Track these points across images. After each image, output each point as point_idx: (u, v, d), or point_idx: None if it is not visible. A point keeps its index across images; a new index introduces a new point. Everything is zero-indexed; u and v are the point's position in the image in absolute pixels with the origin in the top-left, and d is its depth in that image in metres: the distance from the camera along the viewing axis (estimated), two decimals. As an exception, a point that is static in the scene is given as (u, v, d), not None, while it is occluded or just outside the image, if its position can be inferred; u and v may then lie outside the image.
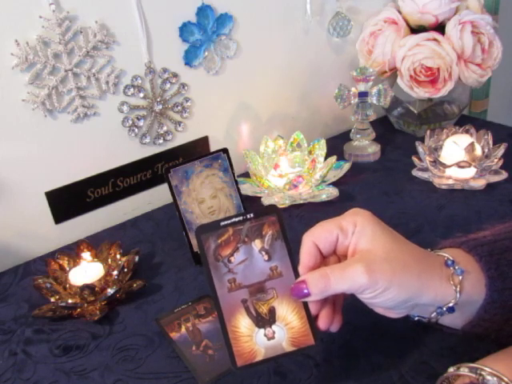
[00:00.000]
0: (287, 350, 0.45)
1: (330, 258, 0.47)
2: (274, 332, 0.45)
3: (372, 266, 0.42)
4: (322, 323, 0.46)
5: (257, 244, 0.47)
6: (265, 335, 0.45)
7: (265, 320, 0.45)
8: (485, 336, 0.46)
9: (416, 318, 0.48)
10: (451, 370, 0.40)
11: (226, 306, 0.45)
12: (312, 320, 0.45)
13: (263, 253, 0.47)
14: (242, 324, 0.45)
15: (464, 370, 0.39)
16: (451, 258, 0.45)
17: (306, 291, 0.43)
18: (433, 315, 0.46)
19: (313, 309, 0.45)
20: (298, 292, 0.44)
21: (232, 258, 0.46)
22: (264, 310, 0.45)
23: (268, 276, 0.46)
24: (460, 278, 0.44)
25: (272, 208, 0.47)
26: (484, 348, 0.45)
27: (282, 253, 0.47)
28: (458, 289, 0.43)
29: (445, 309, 0.44)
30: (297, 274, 0.46)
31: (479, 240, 0.47)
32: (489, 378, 0.38)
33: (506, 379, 0.37)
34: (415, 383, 0.49)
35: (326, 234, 0.46)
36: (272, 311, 0.45)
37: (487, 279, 0.44)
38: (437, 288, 0.43)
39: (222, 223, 0.46)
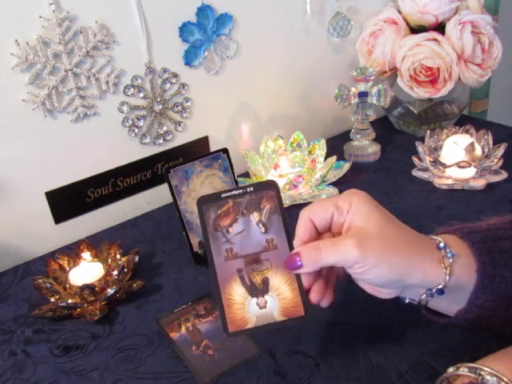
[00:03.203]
0: (278, 319, 0.46)
1: (324, 234, 0.49)
2: (266, 301, 0.46)
3: (363, 242, 0.43)
4: (314, 296, 0.47)
5: (255, 216, 0.48)
6: (257, 304, 0.46)
7: (258, 289, 0.46)
8: (477, 323, 0.46)
9: (407, 301, 0.48)
10: (451, 370, 0.40)
11: (222, 274, 0.46)
12: (303, 292, 0.46)
13: (260, 225, 0.48)
14: (236, 292, 0.46)
15: (463, 370, 0.39)
16: (443, 242, 0.46)
17: (299, 263, 0.45)
18: (423, 297, 0.46)
19: (305, 282, 0.47)
20: (291, 263, 0.45)
21: (230, 229, 0.47)
22: (258, 280, 0.47)
23: (264, 248, 0.47)
24: (450, 260, 0.44)
25: (271, 183, 0.49)
26: (484, 348, 0.45)
27: (278, 226, 0.48)
28: (447, 271, 0.44)
29: (434, 290, 0.45)
30: (291, 248, 0.47)
31: (473, 228, 0.47)
32: (488, 377, 0.38)
33: (505, 379, 0.37)
34: (415, 383, 0.50)
35: (322, 211, 0.47)
36: (265, 281, 0.47)
37: (478, 264, 0.44)
38: (427, 269, 0.44)
39: (223, 195, 0.48)
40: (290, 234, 0.48)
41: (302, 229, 0.47)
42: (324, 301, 0.48)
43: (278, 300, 0.46)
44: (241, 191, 0.48)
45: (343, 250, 0.43)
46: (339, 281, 0.50)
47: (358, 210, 0.46)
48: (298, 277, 0.46)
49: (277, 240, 0.47)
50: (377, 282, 0.45)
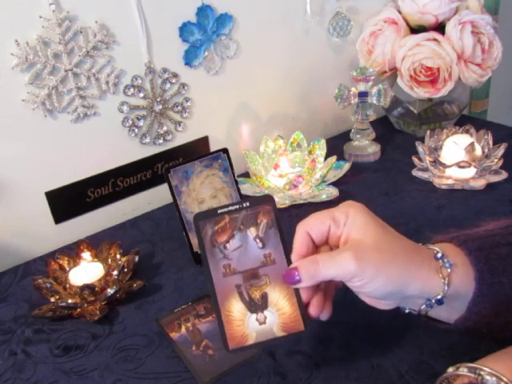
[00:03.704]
0: (278, 334, 0.46)
1: (322, 247, 0.49)
2: (265, 317, 0.46)
3: (361, 254, 0.43)
4: (313, 310, 0.47)
5: (252, 232, 0.48)
6: (257, 320, 0.46)
7: (257, 305, 0.46)
8: (476, 330, 0.46)
9: (407, 311, 0.48)
10: (450, 370, 0.40)
11: (221, 290, 0.46)
12: (303, 307, 0.46)
13: (258, 240, 0.48)
14: (236, 308, 0.46)
15: (463, 370, 0.39)
16: (441, 252, 0.45)
17: (297, 277, 0.45)
18: (422, 307, 0.46)
19: (304, 296, 0.46)
20: (289, 278, 0.45)
21: (228, 245, 0.47)
22: (257, 295, 0.47)
23: (262, 263, 0.47)
24: (448, 270, 0.44)
25: (267, 197, 0.49)
26: (484, 348, 0.45)
27: (275, 241, 0.48)
28: (446, 281, 0.44)
29: (433, 301, 0.45)
30: (289, 262, 0.47)
31: (470, 235, 0.47)
32: (488, 377, 0.38)
33: (505, 379, 0.37)
34: (415, 383, 0.50)
35: (318, 224, 0.47)
36: (264, 297, 0.47)
37: (476, 273, 0.44)
38: (425, 280, 0.44)
39: (220, 211, 0.48)
40: (287, 248, 0.48)
41: (300, 242, 0.47)
42: (323, 314, 0.48)
43: (278, 315, 0.46)
44: (237, 206, 0.48)
45: (341, 264, 0.43)
46: (337, 290, 0.50)
47: (354, 222, 0.46)
48: (296, 291, 0.46)
49: (274, 255, 0.47)
50: (376, 294, 0.45)
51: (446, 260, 0.45)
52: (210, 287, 0.46)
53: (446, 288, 0.44)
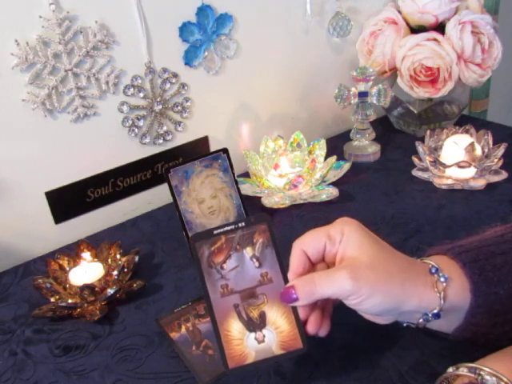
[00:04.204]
0: (276, 353, 0.46)
1: (318, 265, 0.49)
2: (264, 336, 0.47)
3: (356, 273, 0.43)
4: (311, 328, 0.47)
5: (248, 251, 0.48)
6: (255, 339, 0.47)
7: (255, 324, 0.47)
8: (474, 340, 0.46)
9: (405, 324, 0.49)
10: (450, 370, 0.40)
11: (219, 310, 0.47)
12: (301, 324, 0.47)
13: (254, 260, 0.48)
14: (234, 328, 0.47)
15: (463, 370, 0.39)
16: (435, 266, 0.46)
17: (294, 296, 0.45)
18: (420, 321, 0.46)
19: (302, 314, 0.47)
20: (287, 297, 0.46)
21: (224, 265, 0.48)
22: (255, 314, 0.47)
23: (259, 282, 0.48)
24: (444, 284, 0.45)
25: (262, 217, 0.49)
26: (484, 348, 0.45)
27: (272, 260, 0.48)
28: (441, 295, 0.44)
29: (430, 315, 0.45)
30: (286, 280, 0.47)
31: (465, 246, 0.47)
32: (488, 377, 0.38)
33: (505, 379, 0.37)
34: (415, 383, 0.50)
35: (314, 242, 0.47)
36: (262, 316, 0.47)
37: (471, 285, 0.44)
38: (421, 295, 0.44)
39: (215, 231, 0.48)
40: (284, 267, 0.48)
41: (296, 261, 0.47)
42: (321, 330, 0.48)
43: (276, 333, 0.47)
44: (233, 227, 0.48)
45: (337, 283, 0.44)
46: (335, 306, 0.51)
47: (350, 239, 0.46)
48: (294, 309, 0.47)
49: (271, 273, 0.48)
50: (372, 311, 0.45)
51: (440, 274, 0.45)
52: (208, 307, 0.47)
53: (442, 302, 0.44)
